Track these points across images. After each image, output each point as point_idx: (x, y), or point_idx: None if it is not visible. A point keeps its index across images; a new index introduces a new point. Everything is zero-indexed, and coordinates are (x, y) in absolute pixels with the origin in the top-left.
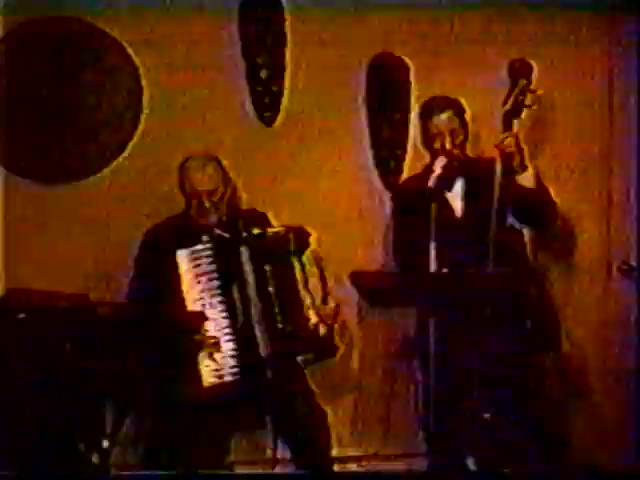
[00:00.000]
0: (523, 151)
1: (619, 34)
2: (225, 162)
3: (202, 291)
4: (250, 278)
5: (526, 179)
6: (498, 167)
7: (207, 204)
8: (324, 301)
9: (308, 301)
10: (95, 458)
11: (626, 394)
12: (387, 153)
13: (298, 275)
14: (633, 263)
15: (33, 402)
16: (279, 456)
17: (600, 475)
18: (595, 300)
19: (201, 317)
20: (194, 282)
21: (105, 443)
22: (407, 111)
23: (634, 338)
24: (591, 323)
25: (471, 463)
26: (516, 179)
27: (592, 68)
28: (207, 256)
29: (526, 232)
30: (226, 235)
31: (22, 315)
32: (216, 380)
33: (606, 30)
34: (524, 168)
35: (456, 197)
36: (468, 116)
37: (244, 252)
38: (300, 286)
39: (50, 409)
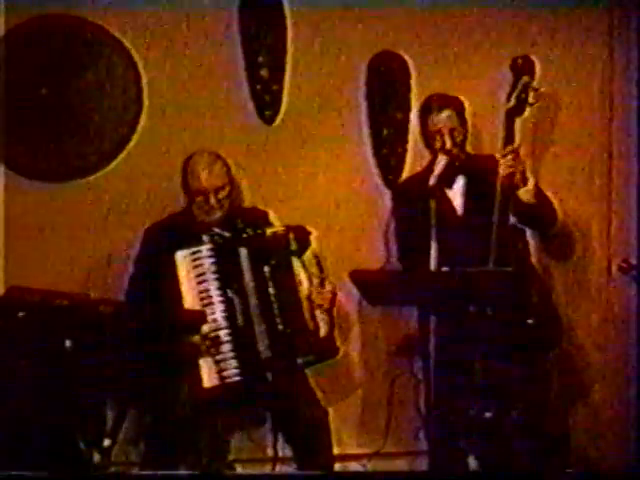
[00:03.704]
0: (524, 165)
1: (619, 33)
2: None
3: (202, 292)
4: (249, 279)
5: (526, 193)
6: (499, 183)
7: (213, 201)
8: (321, 284)
9: (309, 301)
10: (96, 457)
11: (626, 394)
12: (388, 151)
13: (298, 275)
14: (633, 261)
15: (33, 401)
16: (280, 455)
17: (600, 475)
18: (595, 300)
19: (201, 317)
20: (194, 282)
21: (106, 442)
22: (407, 110)
23: (634, 338)
24: (591, 323)
25: (472, 462)
26: (517, 193)
27: (592, 67)
28: (207, 257)
29: (528, 231)
30: (226, 235)
31: (22, 313)
32: (216, 381)
33: (606, 29)
34: (525, 182)
35: (457, 195)
36: (468, 114)
37: (243, 253)
38: (301, 287)
39: (50, 408)
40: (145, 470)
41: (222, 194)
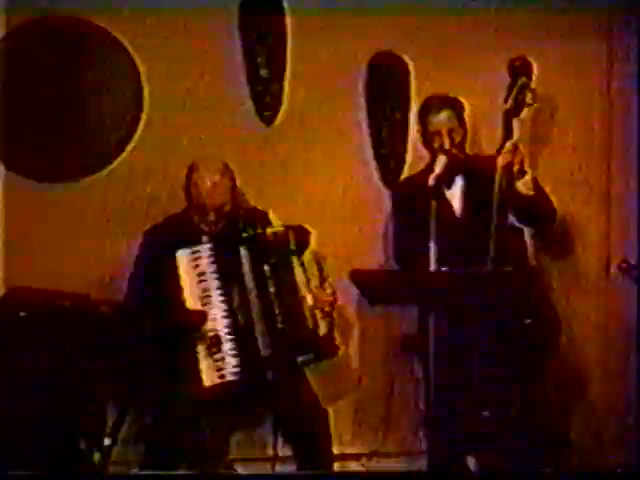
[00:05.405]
0: (522, 158)
1: (619, 33)
2: (226, 162)
3: (202, 291)
4: (250, 278)
5: (524, 184)
6: (498, 176)
7: (212, 217)
8: (321, 284)
9: (309, 301)
10: (96, 456)
11: (626, 394)
12: (387, 152)
13: (298, 275)
14: (632, 261)
15: (34, 401)
16: (279, 454)
17: (600, 475)
18: (595, 300)
19: (201, 316)
20: (194, 282)
21: (106, 441)
22: (407, 110)
23: (634, 338)
24: (591, 323)
25: (471, 462)
26: (515, 185)
27: (592, 67)
28: (207, 256)
29: (526, 231)
30: (225, 234)
31: (23, 314)
32: (217, 380)
33: (606, 29)
34: (523, 174)
35: (456, 195)
36: (467, 114)
37: (243, 252)
38: (300, 286)
39: (51, 408)
40: (145, 470)
41: (222, 211)
